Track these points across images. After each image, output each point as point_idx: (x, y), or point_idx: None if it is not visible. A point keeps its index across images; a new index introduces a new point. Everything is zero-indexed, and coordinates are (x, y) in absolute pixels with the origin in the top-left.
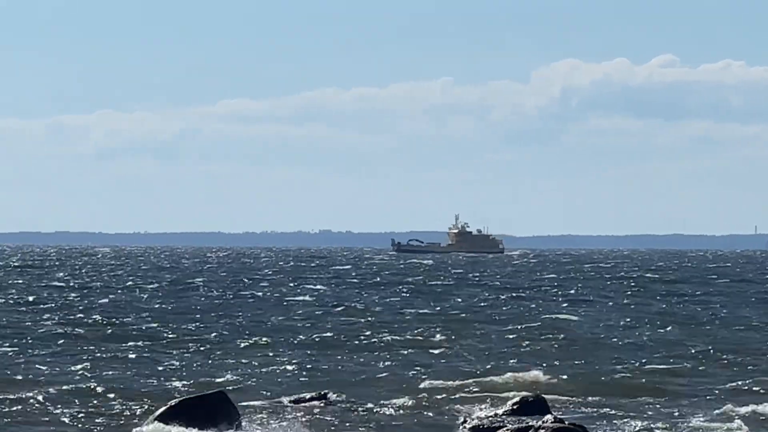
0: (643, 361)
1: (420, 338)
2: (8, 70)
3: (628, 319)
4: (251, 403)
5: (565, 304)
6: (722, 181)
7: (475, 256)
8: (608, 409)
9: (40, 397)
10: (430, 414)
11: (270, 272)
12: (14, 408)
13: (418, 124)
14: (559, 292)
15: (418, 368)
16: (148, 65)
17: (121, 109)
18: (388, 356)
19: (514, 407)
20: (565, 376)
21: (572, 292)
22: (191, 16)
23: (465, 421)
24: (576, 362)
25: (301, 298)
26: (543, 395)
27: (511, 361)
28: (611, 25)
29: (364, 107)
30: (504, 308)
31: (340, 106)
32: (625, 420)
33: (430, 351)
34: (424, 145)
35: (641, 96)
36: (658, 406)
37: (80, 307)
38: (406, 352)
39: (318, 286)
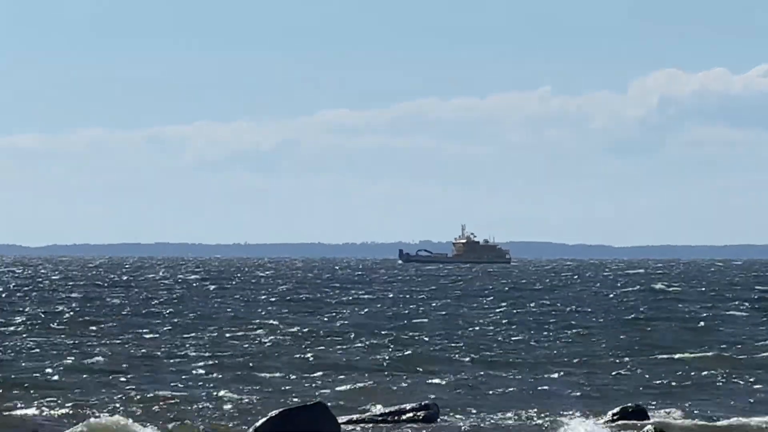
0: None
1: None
2: (108, 82)
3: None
4: (351, 416)
5: None
6: None
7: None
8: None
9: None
10: (531, 426)
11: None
12: None
13: (517, 135)
14: None
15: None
16: (246, 76)
17: (219, 120)
18: (493, 369)
19: (614, 417)
20: None
21: None
22: (291, 27)
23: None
24: None
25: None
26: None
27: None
28: (710, 35)
29: (463, 117)
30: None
31: (440, 117)
32: None
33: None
34: (522, 155)
35: (740, 105)
36: None
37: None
38: (517, 366)
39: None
